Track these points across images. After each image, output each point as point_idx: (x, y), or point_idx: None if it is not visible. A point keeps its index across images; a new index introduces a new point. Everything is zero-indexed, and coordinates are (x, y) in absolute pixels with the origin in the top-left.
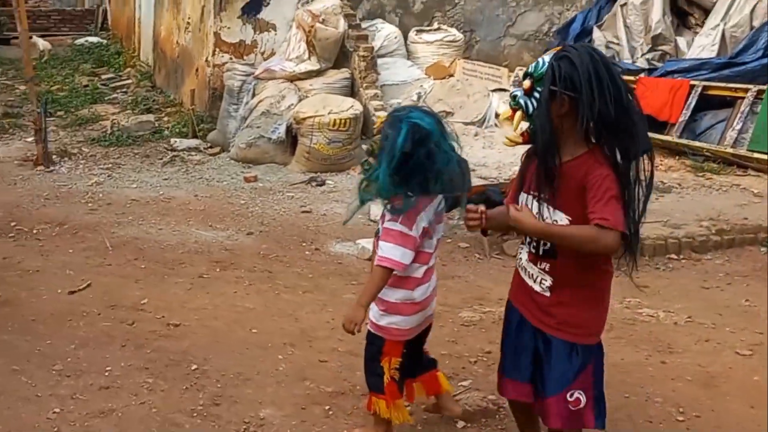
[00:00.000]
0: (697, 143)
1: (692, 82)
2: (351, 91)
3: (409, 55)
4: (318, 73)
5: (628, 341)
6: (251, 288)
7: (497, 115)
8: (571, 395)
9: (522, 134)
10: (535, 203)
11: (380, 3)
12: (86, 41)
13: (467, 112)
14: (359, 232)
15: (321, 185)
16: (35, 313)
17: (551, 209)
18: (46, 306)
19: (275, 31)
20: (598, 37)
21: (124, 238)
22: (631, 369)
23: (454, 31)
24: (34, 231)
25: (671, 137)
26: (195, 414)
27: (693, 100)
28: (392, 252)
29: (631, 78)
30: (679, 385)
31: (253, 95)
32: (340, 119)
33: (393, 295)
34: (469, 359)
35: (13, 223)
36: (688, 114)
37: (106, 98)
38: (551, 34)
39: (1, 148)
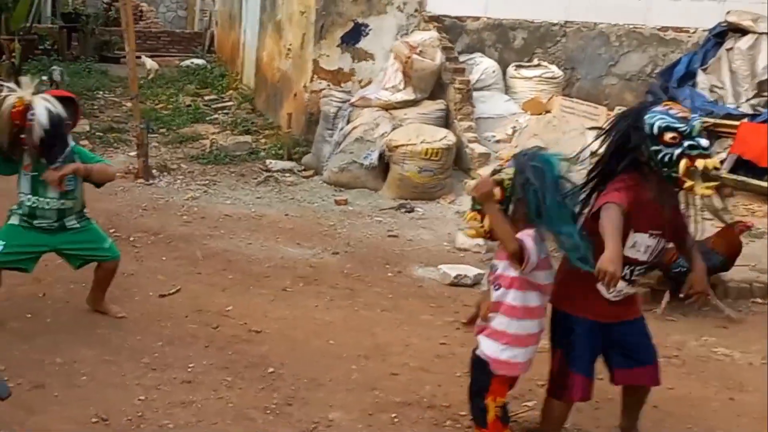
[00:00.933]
0: None
1: None
2: (446, 122)
3: (507, 89)
4: (413, 103)
5: (699, 377)
6: (332, 303)
7: (593, 153)
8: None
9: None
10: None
11: (480, 37)
12: (192, 63)
13: (562, 148)
14: (442, 258)
15: (410, 212)
16: (127, 311)
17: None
18: (138, 306)
19: (373, 60)
20: (702, 81)
21: (214, 249)
22: (697, 403)
23: (553, 67)
24: (131, 238)
25: None
26: (268, 411)
27: None
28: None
29: (734, 123)
30: (744, 421)
31: (348, 121)
32: (433, 149)
33: (517, 325)
34: (537, 382)
35: (112, 230)
36: None
37: (207, 118)
38: (654, 75)
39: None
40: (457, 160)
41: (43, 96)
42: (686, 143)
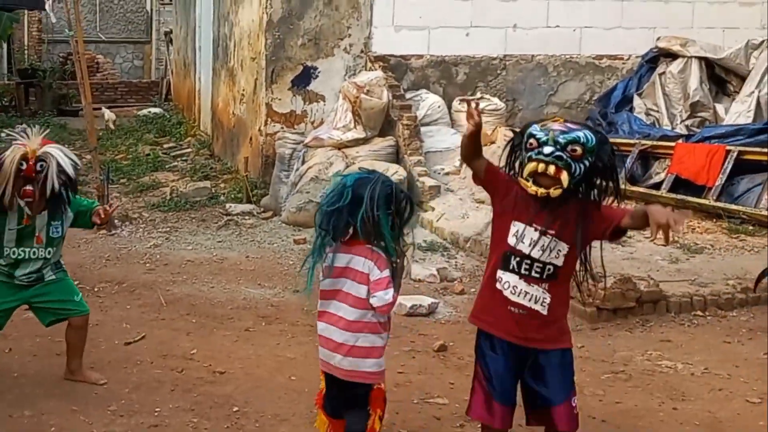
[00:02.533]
0: (733, 206)
1: (728, 147)
2: (396, 157)
3: (453, 123)
4: (364, 141)
5: (645, 389)
6: (293, 340)
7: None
8: (574, 401)
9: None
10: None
11: (424, 74)
12: (150, 112)
13: None
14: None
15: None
16: (94, 361)
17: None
18: (104, 355)
19: (324, 101)
20: (639, 105)
21: (177, 295)
22: (643, 414)
23: (496, 100)
24: (96, 289)
25: (708, 200)
26: None
27: (729, 165)
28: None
29: (670, 144)
30: (687, 428)
31: (303, 162)
32: None
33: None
34: None
35: (76, 282)
36: (725, 178)
37: (166, 166)
38: (593, 102)
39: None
40: None
41: (56, 146)
42: (538, 150)
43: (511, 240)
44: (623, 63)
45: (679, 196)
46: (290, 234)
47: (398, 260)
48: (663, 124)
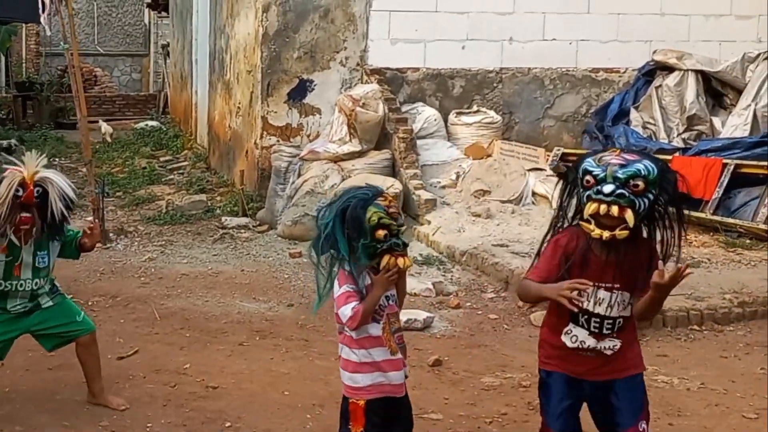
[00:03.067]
0: (730, 219)
1: (725, 161)
2: (392, 171)
3: (449, 136)
4: (360, 154)
5: None
6: (287, 355)
7: (533, 194)
8: (642, 425)
9: (623, 229)
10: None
11: (420, 87)
12: (146, 125)
13: (504, 190)
14: None
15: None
16: None
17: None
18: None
19: (320, 114)
20: (635, 118)
21: (172, 309)
22: None
23: (492, 113)
24: (90, 303)
25: (705, 214)
26: None
27: (726, 178)
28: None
29: (667, 157)
30: None
31: (299, 175)
32: None
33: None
34: (485, 420)
35: (70, 296)
36: (722, 191)
37: (163, 179)
38: (589, 115)
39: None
40: (405, 207)
41: (52, 171)
42: (596, 188)
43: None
44: (620, 76)
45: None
46: (286, 247)
47: (371, 273)
48: (660, 138)
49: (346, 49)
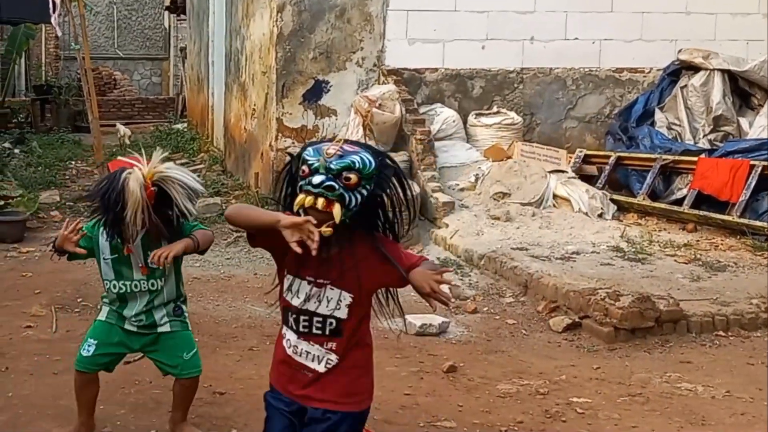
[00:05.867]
0: (758, 222)
1: (752, 162)
2: (410, 173)
3: (468, 137)
4: None
5: (663, 413)
6: None
7: (555, 197)
8: None
9: (329, 225)
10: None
11: (439, 88)
12: (172, 128)
13: (524, 193)
14: (409, 308)
15: None
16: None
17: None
18: (103, 375)
19: (336, 116)
20: (660, 119)
21: None
22: None
23: (512, 114)
24: (98, 306)
25: (732, 217)
26: None
27: (753, 180)
28: None
29: (692, 158)
30: None
31: None
32: None
33: None
34: (501, 428)
35: (79, 299)
36: (749, 194)
37: None
38: (612, 116)
39: None
40: (422, 210)
41: (173, 166)
42: (308, 179)
43: (287, 295)
44: (644, 76)
45: (702, 212)
46: None
47: None
48: (685, 139)
49: (363, 49)
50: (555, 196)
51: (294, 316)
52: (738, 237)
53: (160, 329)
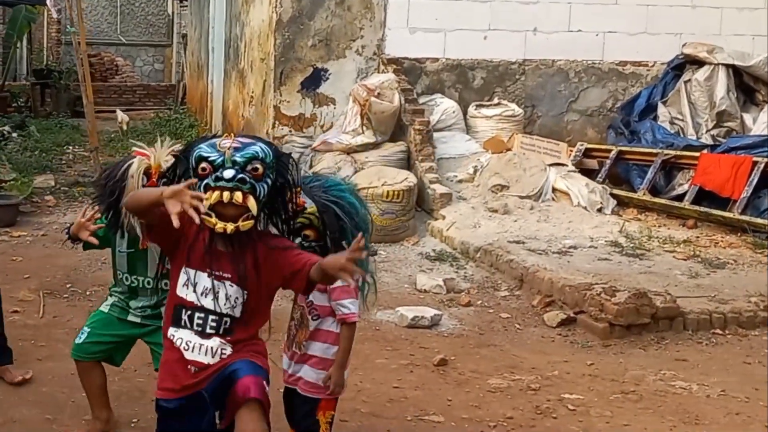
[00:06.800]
0: (759, 220)
1: (755, 159)
2: (407, 164)
3: (468, 129)
4: (374, 146)
5: (656, 412)
6: None
7: (554, 190)
8: None
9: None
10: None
11: (439, 78)
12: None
13: (523, 186)
14: (402, 300)
15: (373, 255)
16: (73, 369)
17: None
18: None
19: (334, 104)
20: (663, 113)
21: None
22: None
23: (513, 106)
24: (87, 293)
25: (733, 214)
26: None
27: (755, 177)
28: (355, 307)
29: (694, 154)
30: None
31: (311, 166)
32: (394, 191)
33: (332, 351)
34: (489, 423)
35: (68, 285)
36: (751, 191)
37: None
38: (615, 110)
39: (69, 215)
40: (419, 201)
41: None
42: (215, 175)
43: (181, 291)
44: (648, 70)
45: (703, 209)
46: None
47: None
48: (688, 134)
49: (363, 37)
50: (554, 190)
51: (188, 313)
52: (738, 234)
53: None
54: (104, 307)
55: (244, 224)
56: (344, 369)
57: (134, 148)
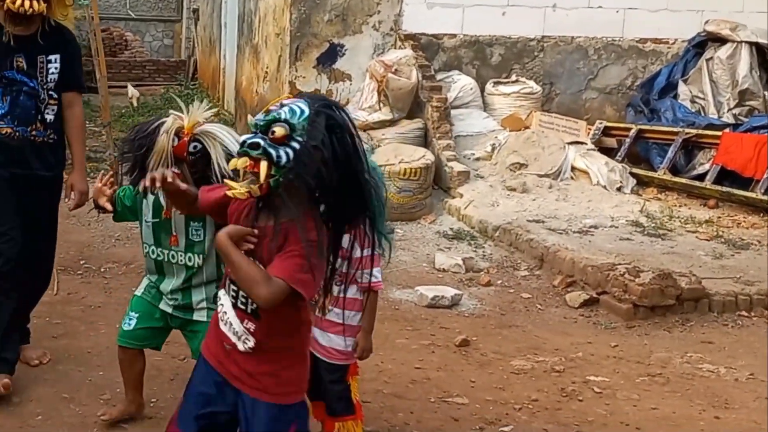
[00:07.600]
0: None
1: None
2: (424, 141)
3: (485, 106)
4: (391, 123)
5: (684, 395)
6: None
7: (573, 168)
8: None
9: (261, 186)
10: None
11: (457, 55)
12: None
13: (542, 164)
14: (421, 280)
15: (390, 233)
16: (92, 345)
17: None
18: (103, 339)
19: (350, 80)
20: (684, 92)
21: None
22: (682, 422)
23: (531, 83)
24: (102, 269)
25: (755, 194)
26: None
27: None
28: (381, 275)
29: (716, 133)
30: None
31: None
32: (411, 168)
33: (357, 318)
34: (514, 406)
35: (82, 261)
36: None
37: None
38: (635, 88)
39: None
40: (436, 179)
41: (219, 125)
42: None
43: None
44: (668, 47)
45: (725, 189)
46: None
47: None
48: (709, 113)
49: (380, 12)
50: (573, 168)
51: (229, 279)
52: (761, 214)
53: (196, 315)
54: (139, 291)
55: (240, 192)
56: (371, 334)
57: (172, 112)
